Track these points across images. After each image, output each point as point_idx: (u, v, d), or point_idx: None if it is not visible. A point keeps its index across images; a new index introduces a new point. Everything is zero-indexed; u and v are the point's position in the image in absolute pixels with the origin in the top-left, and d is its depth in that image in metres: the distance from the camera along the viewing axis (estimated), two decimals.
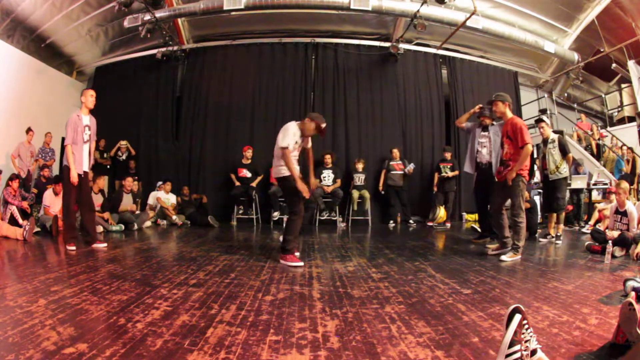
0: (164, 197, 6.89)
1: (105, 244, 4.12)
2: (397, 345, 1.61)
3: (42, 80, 7.58)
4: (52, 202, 5.45)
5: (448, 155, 7.14)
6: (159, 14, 6.90)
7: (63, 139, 4.32)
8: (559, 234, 4.86)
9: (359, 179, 7.19)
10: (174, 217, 6.71)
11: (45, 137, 7.05)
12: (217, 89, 8.11)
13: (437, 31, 7.71)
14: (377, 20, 8.03)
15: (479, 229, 5.10)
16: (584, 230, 6.01)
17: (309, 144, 3.73)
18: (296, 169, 3.52)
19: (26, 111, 7.14)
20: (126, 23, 7.03)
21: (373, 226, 7.05)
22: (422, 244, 4.84)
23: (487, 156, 4.65)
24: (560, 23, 7.98)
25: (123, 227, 5.83)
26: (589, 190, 6.84)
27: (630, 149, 7.42)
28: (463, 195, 7.77)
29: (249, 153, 7.18)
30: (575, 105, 9.62)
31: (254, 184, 7.04)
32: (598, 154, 8.14)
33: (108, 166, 7.53)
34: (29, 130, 6.76)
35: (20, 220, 5.23)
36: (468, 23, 6.86)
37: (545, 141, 5.03)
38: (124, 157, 7.70)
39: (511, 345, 1.25)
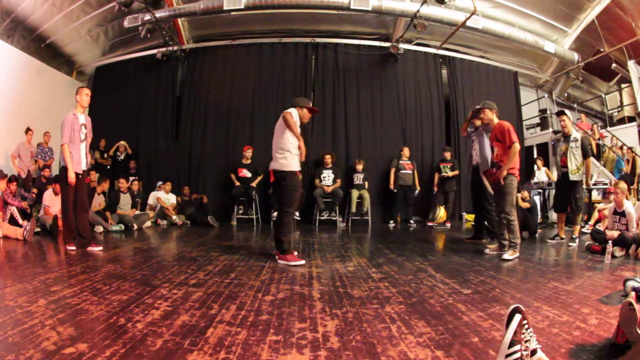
0: (164, 197, 6.90)
1: (101, 247, 3.95)
2: (397, 345, 1.61)
3: (42, 80, 7.58)
4: (52, 202, 5.44)
5: (448, 155, 7.14)
6: (159, 14, 6.90)
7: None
8: (574, 236, 4.70)
9: (359, 178, 7.19)
10: (174, 217, 6.72)
11: (43, 136, 7.05)
12: (217, 89, 8.11)
13: (437, 31, 7.71)
14: (377, 20, 8.03)
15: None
16: (584, 230, 6.00)
17: None
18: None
19: (26, 111, 7.14)
20: (126, 23, 7.03)
21: (373, 226, 7.05)
22: (422, 244, 4.84)
23: (476, 157, 4.84)
24: (560, 23, 7.98)
25: (123, 227, 5.83)
26: (589, 190, 6.83)
27: (630, 149, 7.42)
28: (463, 195, 7.77)
29: (248, 153, 7.18)
30: (575, 105, 9.62)
31: (254, 184, 7.04)
32: (598, 154, 8.14)
33: (108, 166, 7.55)
34: (28, 130, 6.77)
35: (20, 221, 5.23)
36: (468, 23, 6.86)
37: (566, 138, 4.80)
38: (122, 157, 7.71)
39: (511, 345, 1.25)
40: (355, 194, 7.02)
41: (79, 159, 3.99)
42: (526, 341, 1.28)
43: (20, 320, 1.79)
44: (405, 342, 1.64)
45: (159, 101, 8.29)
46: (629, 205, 4.15)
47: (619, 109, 8.94)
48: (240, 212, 7.23)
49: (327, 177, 7.06)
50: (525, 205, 5.38)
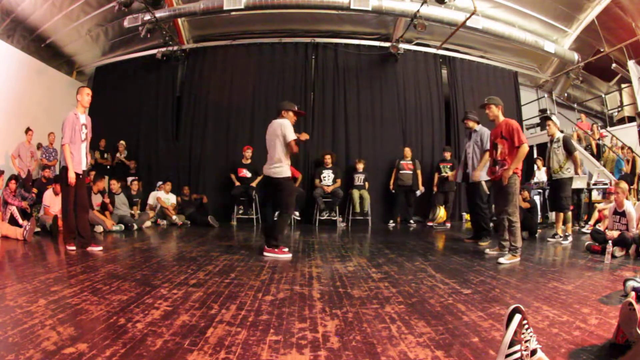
0: (164, 197, 6.90)
1: (101, 248, 3.96)
2: (397, 345, 1.61)
3: (42, 80, 7.58)
4: (52, 202, 5.44)
5: (448, 155, 7.14)
6: (159, 14, 6.90)
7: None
8: (567, 234, 4.81)
9: (359, 179, 7.19)
10: (174, 217, 6.71)
11: (48, 137, 7.06)
12: (217, 89, 8.11)
13: (437, 31, 7.71)
14: (377, 20, 8.03)
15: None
16: (584, 230, 6.01)
17: None
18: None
19: (26, 111, 7.14)
20: (126, 23, 7.03)
21: (373, 226, 7.05)
22: (422, 244, 4.84)
23: (471, 161, 4.95)
24: (560, 23, 7.98)
25: (123, 227, 5.83)
26: (589, 190, 6.83)
27: (630, 148, 7.42)
28: (463, 195, 7.76)
29: (248, 153, 7.18)
30: (575, 105, 9.62)
31: (254, 184, 7.03)
32: (598, 154, 8.14)
33: (108, 166, 7.55)
34: (28, 130, 6.77)
35: (20, 220, 5.23)
36: (468, 23, 6.86)
37: (551, 140, 4.99)
38: (122, 157, 7.71)
39: (511, 345, 1.25)
40: (356, 194, 7.01)
41: (79, 159, 3.98)
42: (526, 341, 1.28)
43: (20, 320, 1.79)
44: (405, 342, 1.64)
45: (159, 101, 8.29)
46: (629, 205, 4.15)
47: (619, 109, 8.94)
48: (240, 212, 7.23)
49: (327, 177, 7.06)
50: (526, 205, 5.39)
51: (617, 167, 7.45)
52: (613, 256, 3.61)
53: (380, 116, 8.08)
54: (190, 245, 4.59)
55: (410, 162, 7.27)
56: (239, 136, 7.85)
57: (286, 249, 3.72)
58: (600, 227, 4.85)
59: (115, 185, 6.33)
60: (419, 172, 7.28)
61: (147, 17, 6.84)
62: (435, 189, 7.14)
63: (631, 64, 7.83)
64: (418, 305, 2.18)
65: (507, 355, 1.24)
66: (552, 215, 7.30)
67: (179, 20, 7.77)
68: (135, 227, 6.00)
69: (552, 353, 1.52)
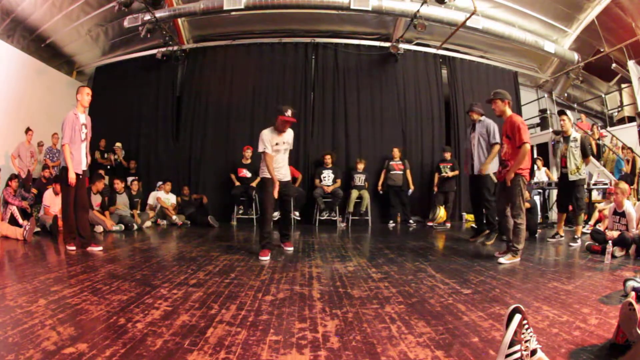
0: (164, 197, 6.90)
1: (101, 248, 3.96)
2: (397, 345, 1.61)
3: (42, 80, 7.58)
4: (52, 202, 5.44)
5: (448, 155, 7.14)
6: (159, 14, 6.90)
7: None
8: (576, 237, 4.67)
9: (359, 179, 7.19)
10: (174, 217, 6.72)
11: (52, 138, 7.05)
12: (217, 89, 8.11)
13: (437, 31, 7.71)
14: (377, 20, 8.03)
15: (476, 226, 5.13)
16: (584, 230, 6.00)
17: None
18: (277, 174, 3.84)
19: (26, 111, 7.13)
20: (126, 23, 7.03)
21: (373, 226, 7.05)
22: (422, 244, 4.84)
23: (476, 152, 4.84)
24: (560, 23, 7.98)
25: (123, 227, 5.83)
26: (589, 190, 6.83)
27: (630, 148, 7.41)
28: (463, 195, 7.77)
29: (248, 153, 7.17)
30: (575, 105, 9.61)
31: (253, 184, 7.03)
32: (598, 154, 8.14)
33: (108, 166, 7.55)
34: (28, 130, 6.76)
35: (20, 220, 5.23)
36: (468, 23, 6.85)
37: (566, 138, 4.79)
38: (120, 158, 7.72)
39: (511, 345, 1.25)
40: (354, 194, 7.02)
41: (79, 159, 3.97)
42: (526, 341, 1.28)
43: (20, 320, 1.79)
44: (405, 342, 1.64)
45: (159, 101, 8.29)
46: (629, 206, 4.15)
47: (619, 109, 8.94)
48: (240, 212, 7.23)
49: (327, 177, 7.06)
50: (526, 205, 5.37)
51: (617, 167, 7.44)
52: (613, 256, 3.61)
53: (380, 116, 8.08)
54: (190, 245, 4.59)
55: (400, 162, 7.27)
56: (239, 136, 7.85)
57: (269, 255, 3.60)
58: (600, 227, 4.85)
59: (119, 184, 6.35)
60: (408, 172, 7.28)
61: (147, 17, 6.84)
62: (435, 189, 7.14)
63: (631, 64, 7.83)
64: (418, 305, 2.18)
65: (507, 355, 1.24)
66: (552, 215, 7.31)
67: (179, 20, 7.77)
68: (136, 227, 6.00)
69: (552, 353, 1.52)
